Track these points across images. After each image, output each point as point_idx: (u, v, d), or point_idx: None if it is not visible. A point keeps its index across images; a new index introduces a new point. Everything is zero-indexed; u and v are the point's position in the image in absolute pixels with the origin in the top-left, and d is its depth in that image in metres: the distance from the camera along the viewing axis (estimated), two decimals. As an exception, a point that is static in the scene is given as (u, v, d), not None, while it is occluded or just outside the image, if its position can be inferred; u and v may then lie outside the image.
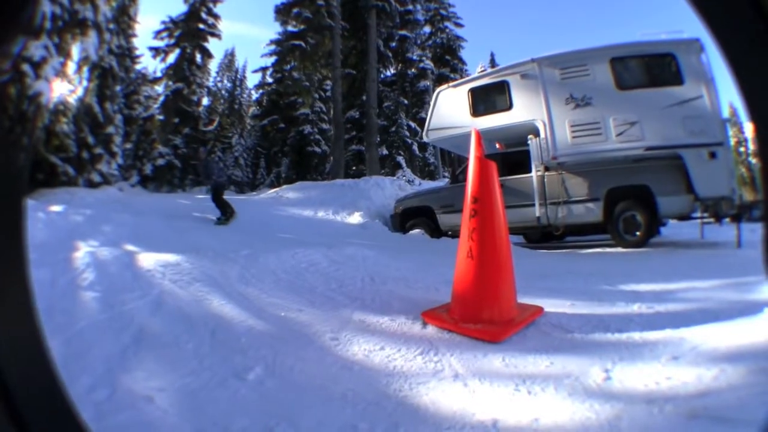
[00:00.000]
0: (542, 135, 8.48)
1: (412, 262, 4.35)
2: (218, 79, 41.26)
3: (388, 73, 27.41)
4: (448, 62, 30.67)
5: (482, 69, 40.35)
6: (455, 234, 8.95)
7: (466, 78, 10.47)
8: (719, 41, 0.78)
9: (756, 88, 0.76)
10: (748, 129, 68.07)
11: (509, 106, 8.95)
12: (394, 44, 26.90)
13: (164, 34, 25.96)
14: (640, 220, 7.96)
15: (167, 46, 25.80)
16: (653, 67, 8.38)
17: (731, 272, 4.58)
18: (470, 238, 2.60)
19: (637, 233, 7.97)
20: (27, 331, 0.84)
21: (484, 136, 9.25)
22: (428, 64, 27.73)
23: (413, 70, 27.28)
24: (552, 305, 2.97)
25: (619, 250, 7.75)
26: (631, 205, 8.02)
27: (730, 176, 7.82)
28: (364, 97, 22.95)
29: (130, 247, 4.56)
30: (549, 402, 1.81)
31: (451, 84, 10.11)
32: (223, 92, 41.18)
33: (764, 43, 0.72)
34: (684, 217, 8.53)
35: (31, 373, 0.83)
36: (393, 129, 25.90)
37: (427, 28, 31.68)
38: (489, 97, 9.22)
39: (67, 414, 0.89)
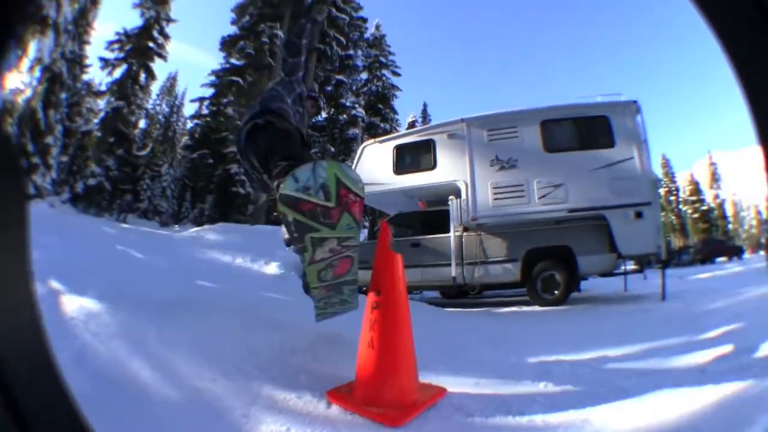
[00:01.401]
0: (463, 196, 8.60)
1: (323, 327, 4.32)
2: (157, 102, 40.57)
3: (320, 118, 27.39)
4: (380, 111, 30.90)
5: (413, 119, 41.34)
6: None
7: (393, 135, 10.54)
8: (720, 36, 0.79)
9: (756, 82, 0.78)
10: (681, 179, 72.99)
11: (433, 166, 9.11)
12: (329, 88, 27.16)
13: (116, 45, 25.54)
14: (558, 279, 8.07)
15: (116, 59, 25.39)
16: (584, 130, 8.64)
17: (652, 333, 4.67)
18: (371, 329, 2.64)
19: (556, 292, 8.06)
20: (28, 330, 0.84)
21: (406, 194, 9.12)
22: (360, 111, 28.06)
23: (344, 116, 27.56)
24: (456, 384, 2.94)
25: (536, 308, 7.76)
26: (551, 265, 8.15)
27: (657, 233, 8.11)
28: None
29: (55, 284, 4.25)
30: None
31: (377, 139, 10.20)
32: (160, 117, 40.17)
33: (764, 34, 0.74)
34: (606, 274, 8.77)
35: (32, 370, 0.84)
36: None
37: (364, 75, 31.94)
38: (414, 155, 9.35)
39: (69, 411, 0.90)
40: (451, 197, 8.68)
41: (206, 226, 13.65)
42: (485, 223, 8.51)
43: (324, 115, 27.73)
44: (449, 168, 8.93)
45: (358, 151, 10.28)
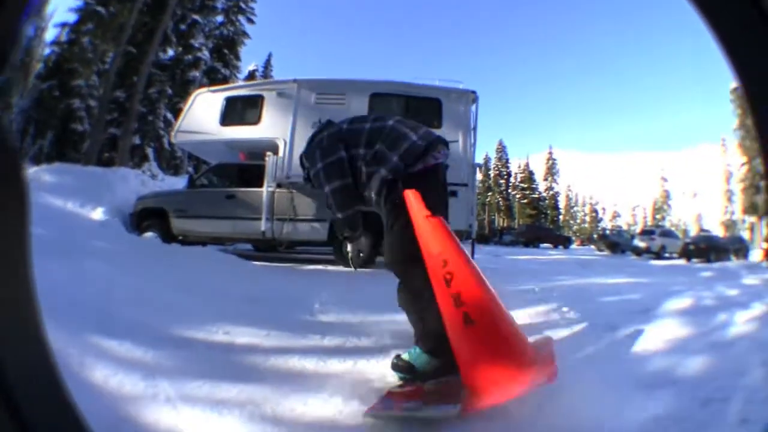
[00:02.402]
0: (281, 153, 8.47)
1: (141, 277, 4.29)
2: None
3: (165, 57, 26.15)
4: (224, 56, 29.81)
5: (254, 68, 39.62)
6: (186, 240, 8.89)
7: (227, 86, 10.42)
8: (717, 34, 0.80)
9: (755, 80, 0.79)
10: (513, 165, 77.74)
11: (258, 121, 8.99)
12: (184, 27, 25.20)
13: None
14: (365, 242, 8.56)
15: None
16: (413, 109, 8.77)
17: None
18: (458, 305, 2.27)
19: (361, 254, 8.60)
20: (27, 328, 0.83)
21: (228, 145, 9.01)
22: (205, 54, 26.50)
23: (190, 56, 25.79)
24: (249, 334, 3.21)
25: (341, 269, 7.87)
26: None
27: (469, 213, 8.47)
28: (136, 79, 21.45)
29: None
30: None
31: (210, 88, 9.91)
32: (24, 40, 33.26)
33: (763, 32, 0.74)
34: None
35: (31, 370, 0.84)
36: (151, 118, 24.40)
37: (220, 17, 30.50)
38: (242, 109, 9.18)
39: (68, 411, 0.89)
40: (268, 153, 8.59)
41: (44, 166, 12.82)
42: (298, 182, 8.35)
43: (170, 53, 26.05)
44: (273, 125, 8.87)
45: (190, 98, 9.77)
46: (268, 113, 8.93)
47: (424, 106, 8.88)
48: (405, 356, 2.73)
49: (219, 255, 7.30)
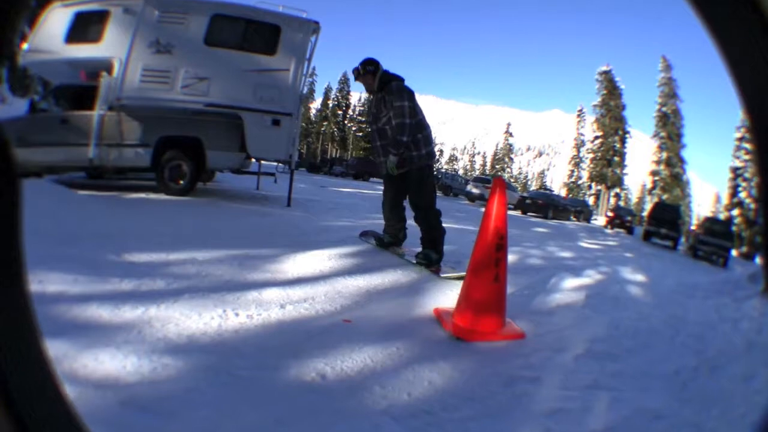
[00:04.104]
0: (115, 73, 8.08)
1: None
2: None
3: None
4: None
5: None
6: (26, 173, 8.08)
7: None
8: (716, 36, 0.80)
9: (753, 85, 0.78)
10: (355, 98, 79.68)
11: (99, 39, 8.36)
12: None
13: None
14: (186, 169, 8.36)
15: None
16: (252, 33, 8.72)
17: (247, 239, 5.25)
18: (496, 266, 3.21)
19: (182, 182, 8.38)
20: (24, 329, 0.83)
21: (70, 65, 8.53)
22: None
23: None
24: (59, 281, 3.17)
25: (162, 197, 8.03)
26: (180, 155, 8.34)
27: (291, 144, 8.58)
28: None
29: None
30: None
31: (65, 2, 8.91)
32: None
33: (763, 35, 0.73)
34: (237, 171, 9.26)
35: (29, 371, 0.83)
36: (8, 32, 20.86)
37: None
38: (87, 25, 8.51)
39: (66, 413, 0.89)
40: (103, 73, 8.16)
41: None
42: (128, 104, 8.26)
43: None
44: (112, 44, 8.31)
45: (45, 12, 8.85)
46: (110, 31, 8.35)
47: (263, 32, 8.81)
48: (422, 256, 5.01)
49: (46, 187, 7.14)
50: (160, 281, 3.43)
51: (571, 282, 5.45)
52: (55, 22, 8.53)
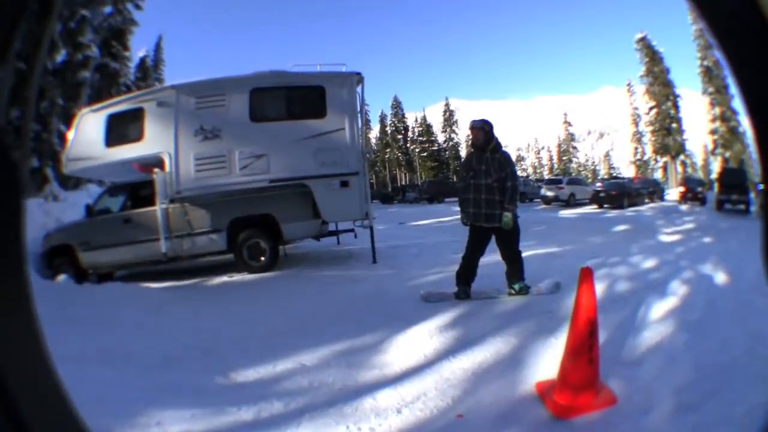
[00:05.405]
0: (167, 168, 8.21)
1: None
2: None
3: (55, 62, 23.25)
4: (112, 49, 27.83)
5: (144, 53, 37.69)
6: (99, 275, 8.72)
7: (109, 102, 9.77)
8: (720, 41, 0.82)
9: (755, 88, 0.80)
10: (410, 119, 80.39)
11: (141, 137, 8.65)
12: (74, 25, 23.13)
13: None
14: (264, 246, 8.49)
15: None
16: (296, 100, 8.87)
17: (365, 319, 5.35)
18: (591, 350, 3.31)
19: (263, 258, 8.52)
20: (25, 330, 0.84)
21: (120, 169, 8.73)
22: (94, 51, 24.52)
23: (80, 55, 23.71)
24: (178, 419, 3.14)
25: (246, 276, 8.20)
26: (255, 233, 8.50)
27: (364, 201, 8.61)
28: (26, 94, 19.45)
29: None
30: None
31: (93, 107, 9.43)
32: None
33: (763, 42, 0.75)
34: (317, 237, 9.37)
35: (29, 372, 0.85)
36: (45, 135, 22.02)
37: (109, 8, 27.86)
38: (124, 126, 8.82)
39: (67, 414, 0.91)
40: (156, 170, 8.37)
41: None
42: (190, 195, 8.47)
43: (63, 55, 23.20)
44: (156, 139, 8.55)
45: (76, 120, 9.32)
46: (150, 127, 8.62)
47: (308, 96, 8.94)
48: (517, 288, 6.07)
49: (120, 290, 7.19)
50: (278, 403, 3.39)
51: (657, 309, 5.36)
52: (89, 129, 8.83)
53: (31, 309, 0.85)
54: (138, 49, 36.79)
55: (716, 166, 49.09)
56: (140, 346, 4.62)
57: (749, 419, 2.93)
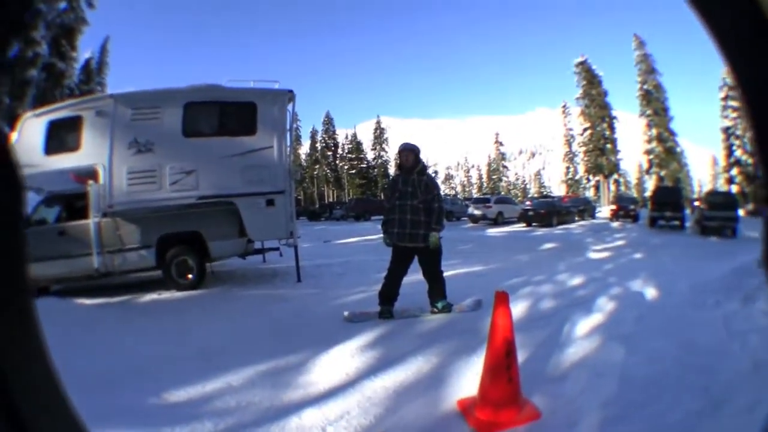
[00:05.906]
0: (102, 180, 8.18)
1: None
2: None
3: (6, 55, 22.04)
4: (61, 47, 27.36)
5: (89, 55, 36.44)
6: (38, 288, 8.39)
7: (51, 107, 9.59)
8: (716, 35, 0.82)
9: (754, 85, 0.79)
10: (341, 136, 79.83)
11: (78, 146, 8.57)
12: (27, 17, 22.04)
13: None
14: (191, 263, 8.56)
15: None
16: (229, 116, 8.89)
17: (283, 341, 5.47)
18: (509, 369, 3.49)
19: (190, 276, 8.59)
20: (25, 330, 0.85)
21: (58, 178, 8.57)
22: (44, 48, 23.51)
23: (30, 52, 22.71)
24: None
25: (174, 294, 8.29)
26: (183, 250, 8.52)
27: (289, 219, 8.70)
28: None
29: None
30: None
31: (36, 111, 9.24)
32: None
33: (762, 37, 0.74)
34: (243, 255, 9.43)
35: (29, 372, 0.86)
36: None
37: (64, 3, 27.59)
38: (64, 133, 8.69)
39: (66, 414, 0.92)
40: (90, 182, 8.33)
41: None
42: (121, 210, 8.44)
43: (15, 51, 22.65)
44: (92, 150, 8.49)
45: (19, 123, 9.03)
46: (87, 136, 8.53)
47: (239, 112, 9.00)
48: (438, 306, 6.51)
49: (54, 305, 7.40)
50: (209, 423, 3.53)
51: (583, 325, 5.65)
52: (30, 134, 8.64)
53: (30, 309, 0.86)
54: (84, 50, 35.84)
55: (651, 185, 51.37)
56: (73, 365, 4.60)
57: (685, 427, 3.23)
